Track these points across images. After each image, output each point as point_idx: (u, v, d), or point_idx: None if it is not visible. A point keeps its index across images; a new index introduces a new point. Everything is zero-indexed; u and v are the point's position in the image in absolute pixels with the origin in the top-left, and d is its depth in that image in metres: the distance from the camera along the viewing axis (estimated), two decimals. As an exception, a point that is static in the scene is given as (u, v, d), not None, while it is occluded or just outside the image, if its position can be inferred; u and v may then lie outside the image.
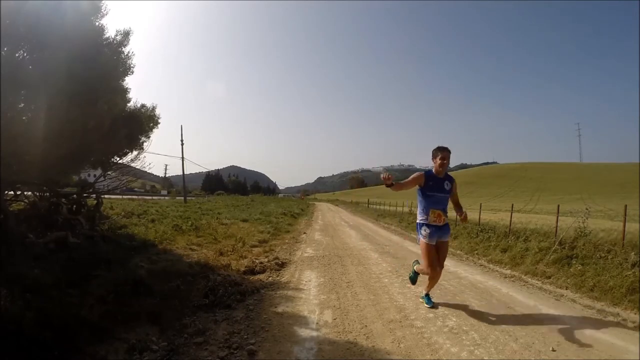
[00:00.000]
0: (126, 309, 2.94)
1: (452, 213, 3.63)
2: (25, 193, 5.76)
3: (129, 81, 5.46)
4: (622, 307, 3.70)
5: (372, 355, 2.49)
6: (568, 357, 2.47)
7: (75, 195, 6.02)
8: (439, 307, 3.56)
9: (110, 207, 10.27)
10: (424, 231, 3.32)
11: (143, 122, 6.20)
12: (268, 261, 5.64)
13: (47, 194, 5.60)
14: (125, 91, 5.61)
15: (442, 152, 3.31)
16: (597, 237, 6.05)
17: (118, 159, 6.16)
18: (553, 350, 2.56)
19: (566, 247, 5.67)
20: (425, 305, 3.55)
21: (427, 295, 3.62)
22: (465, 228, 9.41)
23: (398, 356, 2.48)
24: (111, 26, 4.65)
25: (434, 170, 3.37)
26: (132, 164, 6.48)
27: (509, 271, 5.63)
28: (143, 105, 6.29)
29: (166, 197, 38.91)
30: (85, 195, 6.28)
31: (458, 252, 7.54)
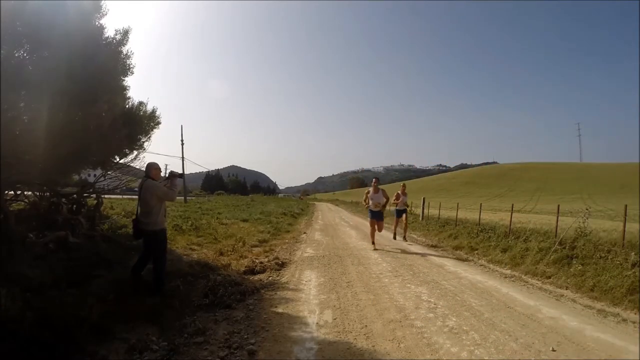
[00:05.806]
0: (126, 309, 2.94)
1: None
2: (25, 193, 5.75)
3: (128, 81, 5.46)
4: (622, 307, 3.70)
5: (372, 355, 2.49)
6: (568, 357, 2.48)
7: (75, 195, 6.01)
8: (441, 307, 3.56)
9: (110, 207, 10.25)
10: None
11: (143, 122, 6.19)
12: (268, 261, 5.64)
13: (47, 194, 5.59)
14: (125, 91, 5.60)
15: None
16: (597, 237, 6.04)
17: (118, 158, 6.15)
18: (553, 350, 2.57)
19: (566, 247, 5.67)
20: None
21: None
22: (465, 228, 9.40)
23: (398, 356, 2.48)
24: (110, 25, 4.65)
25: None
26: (132, 164, 6.46)
27: (509, 271, 5.63)
28: (143, 105, 6.29)
29: (166, 197, 38.75)
30: (85, 195, 6.27)
31: (458, 251, 7.54)
